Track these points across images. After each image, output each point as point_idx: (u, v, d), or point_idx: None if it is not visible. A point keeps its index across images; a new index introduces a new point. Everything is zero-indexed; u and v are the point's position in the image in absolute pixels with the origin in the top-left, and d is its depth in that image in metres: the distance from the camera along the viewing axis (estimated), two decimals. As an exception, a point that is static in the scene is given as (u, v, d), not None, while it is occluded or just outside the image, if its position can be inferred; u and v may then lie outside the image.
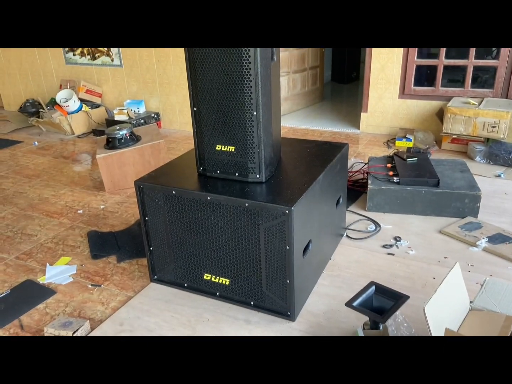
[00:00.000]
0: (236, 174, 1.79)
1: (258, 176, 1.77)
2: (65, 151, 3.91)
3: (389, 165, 2.77)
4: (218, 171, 1.82)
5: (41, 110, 4.49)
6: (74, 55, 4.70)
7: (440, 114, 3.64)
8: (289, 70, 4.72)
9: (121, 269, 2.12)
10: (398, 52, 3.71)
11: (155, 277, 1.99)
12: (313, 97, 5.22)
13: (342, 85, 6.31)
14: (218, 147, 1.78)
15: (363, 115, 4.08)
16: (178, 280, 1.94)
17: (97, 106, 4.61)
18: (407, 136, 3.65)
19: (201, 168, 1.85)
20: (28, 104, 4.78)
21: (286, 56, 4.61)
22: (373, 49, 3.79)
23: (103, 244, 2.33)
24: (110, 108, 4.65)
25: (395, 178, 2.54)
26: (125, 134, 3.05)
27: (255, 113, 1.66)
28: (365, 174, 2.92)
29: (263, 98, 1.65)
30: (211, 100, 1.71)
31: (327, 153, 2.06)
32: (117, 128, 3.08)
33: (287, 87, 4.76)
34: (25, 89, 5.18)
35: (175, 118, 4.47)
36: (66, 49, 4.71)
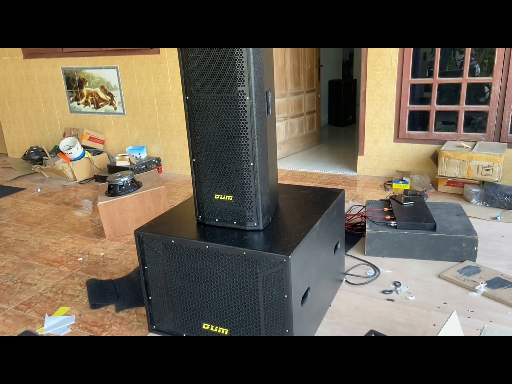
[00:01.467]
0: (234, 222, 1.82)
1: (255, 224, 1.80)
2: (66, 197, 3.97)
3: (386, 208, 2.81)
4: (217, 220, 1.86)
5: (45, 157, 4.60)
6: (78, 104, 4.86)
7: (434, 158, 3.72)
8: (287, 116, 4.87)
9: (119, 318, 2.10)
10: (391, 98, 3.85)
11: (154, 327, 1.98)
12: (311, 141, 5.35)
13: (339, 128, 6.47)
14: (217, 196, 1.83)
15: (359, 158, 4.16)
16: (176, 330, 1.92)
17: (100, 152, 4.72)
18: (403, 178, 3.72)
19: (200, 217, 1.89)
20: (32, 151, 4.90)
21: (283, 102, 4.77)
22: (367, 95, 3.93)
23: (102, 292, 2.33)
24: (112, 154, 4.75)
25: (392, 222, 2.57)
26: (127, 181, 3.11)
27: (251, 163, 1.72)
28: (363, 218, 2.95)
29: (259, 149, 1.72)
30: (210, 152, 1.77)
31: (324, 199, 2.10)
32: (119, 175, 3.14)
33: (285, 131, 4.89)
34: (30, 137, 5.32)
35: (176, 163, 4.56)
36: (71, 98, 4.89)
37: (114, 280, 2.44)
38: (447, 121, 4.05)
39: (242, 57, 1.59)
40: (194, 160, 1.83)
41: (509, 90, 3.46)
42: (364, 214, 2.88)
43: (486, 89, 4.09)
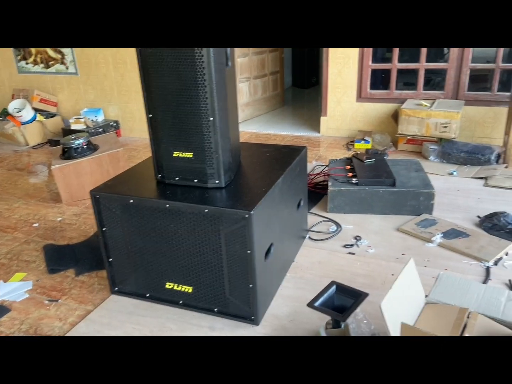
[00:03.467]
0: (195, 180, 1.78)
1: (217, 181, 1.76)
2: (19, 163, 3.76)
3: (348, 166, 2.83)
4: (177, 178, 1.80)
5: (-7, 121, 4.30)
6: (27, 63, 4.54)
7: (395, 116, 3.76)
8: (250, 76, 4.75)
9: (79, 282, 2.05)
10: (354, 57, 3.82)
11: (116, 288, 1.94)
12: (275, 102, 5.28)
13: (303, 90, 6.42)
14: (176, 153, 1.77)
15: (323, 118, 4.16)
16: (139, 291, 1.90)
17: (53, 115, 4.47)
18: (365, 138, 3.75)
19: (159, 176, 1.83)
20: (-20, 115, 4.57)
21: (246, 62, 4.64)
22: (330, 54, 3.88)
23: (60, 257, 2.25)
24: (66, 117, 4.51)
25: (353, 179, 2.60)
26: (82, 144, 2.96)
27: (211, 118, 1.66)
28: (326, 177, 2.98)
29: (219, 103, 1.65)
30: (166, 107, 1.69)
31: (286, 156, 2.08)
32: (73, 137, 2.99)
33: (248, 93, 4.79)
34: (-25, 100, 4.95)
35: (135, 125, 4.39)
36: (18, 57, 4.55)
37: (73, 245, 2.37)
38: (408, 82, 4.08)
39: None
40: (150, 116, 1.75)
41: (467, 49, 3.50)
42: (327, 172, 2.90)
43: (446, 49, 4.12)
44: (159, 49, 1.60)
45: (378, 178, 2.53)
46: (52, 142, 4.17)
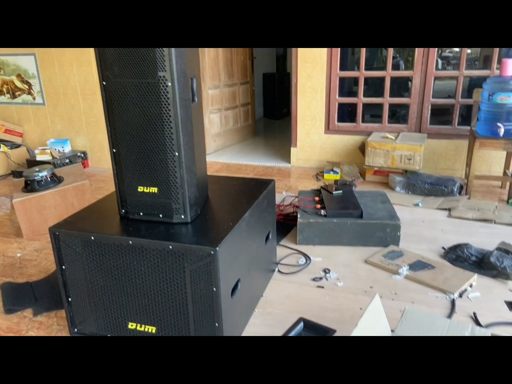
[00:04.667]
0: (160, 215, 1.74)
1: (183, 216, 1.73)
2: (-21, 195, 3.61)
3: (317, 198, 2.86)
4: (141, 213, 1.76)
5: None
6: (-8, 93, 4.44)
7: (362, 148, 3.86)
8: (221, 107, 4.80)
9: (37, 323, 1.94)
10: (321, 91, 3.93)
11: (75, 330, 1.84)
12: (246, 133, 5.33)
13: (274, 121, 6.53)
14: (140, 188, 1.74)
15: (293, 149, 4.22)
16: (100, 332, 1.81)
17: (18, 146, 4.35)
18: (334, 169, 3.82)
19: (123, 211, 1.78)
20: None
21: (217, 93, 4.70)
22: (298, 87, 3.98)
23: (18, 296, 2.14)
24: (32, 148, 4.40)
25: (322, 211, 2.62)
26: (45, 176, 2.88)
27: (176, 153, 1.65)
28: (295, 208, 2.99)
29: (184, 138, 1.65)
30: (131, 141, 1.67)
31: (254, 190, 2.08)
32: (36, 169, 2.91)
33: (219, 123, 4.83)
34: None
35: (104, 156, 4.33)
36: (-17, 87, 4.45)
37: (32, 283, 2.25)
38: (374, 114, 4.22)
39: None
40: (114, 150, 1.71)
41: (428, 83, 3.67)
42: (296, 204, 2.91)
43: (410, 84, 4.31)
44: (123, 80, 1.59)
45: (346, 210, 2.56)
46: (16, 174, 4.04)
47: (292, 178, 3.91)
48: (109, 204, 1.91)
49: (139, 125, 1.64)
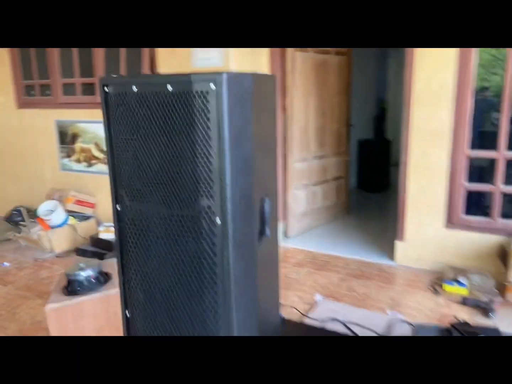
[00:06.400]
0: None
1: None
2: (33, 278, 3.24)
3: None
4: None
5: (21, 222, 3.95)
6: (69, 161, 4.27)
7: (502, 255, 2.82)
8: (308, 183, 4.10)
9: None
10: (441, 172, 3.03)
11: None
12: (337, 211, 4.53)
13: (370, 194, 5.64)
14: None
15: (399, 243, 3.30)
16: None
17: (87, 217, 4.04)
18: (458, 279, 2.82)
19: None
20: (15, 212, 4.27)
21: (305, 167, 4.02)
22: (409, 166, 3.13)
23: None
24: (103, 221, 4.06)
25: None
26: (90, 276, 2.35)
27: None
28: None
29: (237, 314, 0.92)
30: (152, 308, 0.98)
31: None
32: (81, 266, 2.39)
33: (305, 201, 4.11)
34: (17, 194, 4.73)
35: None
36: (63, 154, 4.30)
37: None
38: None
39: (209, 135, 0.85)
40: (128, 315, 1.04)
41: None
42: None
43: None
44: (144, 207, 0.94)
45: None
46: (80, 251, 3.67)
47: (398, 286, 2.97)
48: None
49: (165, 273, 0.96)
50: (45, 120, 4.31)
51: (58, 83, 4.09)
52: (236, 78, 0.91)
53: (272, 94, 1.23)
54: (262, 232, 1.03)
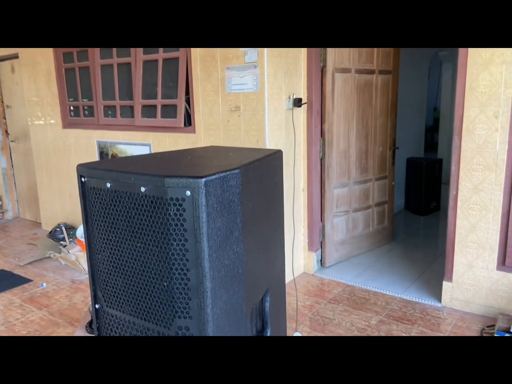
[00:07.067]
0: None
1: None
2: (65, 304, 3.28)
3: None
4: None
5: (62, 242, 4.04)
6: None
7: None
8: (349, 209, 3.88)
9: None
10: (496, 210, 2.72)
11: None
12: (380, 238, 4.26)
13: (418, 217, 5.29)
14: None
15: (446, 284, 3.01)
16: None
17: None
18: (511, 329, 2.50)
19: None
20: (58, 229, 4.41)
21: (345, 193, 3.81)
22: (460, 201, 2.85)
23: None
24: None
25: None
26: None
27: None
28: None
29: None
30: None
31: None
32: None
33: (345, 228, 3.89)
34: (62, 211, 4.89)
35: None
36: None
37: None
38: None
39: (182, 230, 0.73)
40: None
41: None
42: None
43: None
44: (117, 318, 0.85)
45: None
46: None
47: (444, 332, 2.70)
48: None
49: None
50: (87, 140, 4.42)
51: (100, 105, 4.17)
52: (219, 180, 0.79)
53: (279, 169, 1.09)
54: (261, 333, 0.89)
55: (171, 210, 0.77)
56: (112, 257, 0.88)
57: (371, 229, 4.14)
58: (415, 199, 5.37)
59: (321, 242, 3.71)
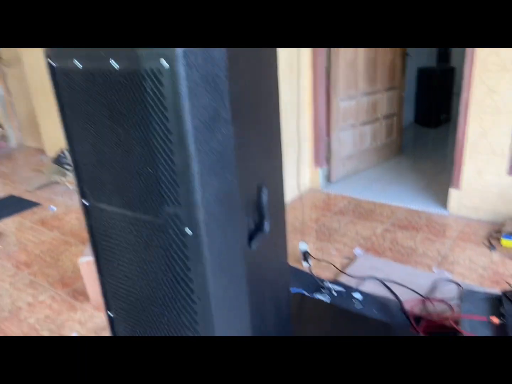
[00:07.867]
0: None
1: None
2: (76, 225, 3.34)
3: (494, 319, 1.71)
4: None
5: (66, 165, 4.03)
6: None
7: None
8: (356, 122, 3.75)
9: None
10: (509, 114, 2.59)
11: None
12: (388, 152, 4.17)
13: (428, 130, 5.14)
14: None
15: (453, 191, 2.98)
16: None
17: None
18: (520, 234, 2.50)
19: None
20: (62, 155, 4.37)
21: (352, 106, 3.66)
22: (471, 106, 2.71)
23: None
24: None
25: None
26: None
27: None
28: (453, 323, 1.88)
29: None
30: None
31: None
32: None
33: (352, 143, 3.80)
34: (64, 137, 4.81)
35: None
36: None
37: None
38: None
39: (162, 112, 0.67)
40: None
41: None
42: (456, 316, 1.81)
43: None
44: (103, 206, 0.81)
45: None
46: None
47: (449, 239, 2.72)
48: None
49: (138, 285, 0.83)
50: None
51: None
52: (200, 53, 0.68)
53: (273, 62, 0.97)
54: (259, 228, 0.86)
55: (147, 84, 0.69)
56: (93, 148, 0.82)
57: (379, 142, 4.04)
58: (426, 111, 5.19)
59: (327, 157, 3.65)
